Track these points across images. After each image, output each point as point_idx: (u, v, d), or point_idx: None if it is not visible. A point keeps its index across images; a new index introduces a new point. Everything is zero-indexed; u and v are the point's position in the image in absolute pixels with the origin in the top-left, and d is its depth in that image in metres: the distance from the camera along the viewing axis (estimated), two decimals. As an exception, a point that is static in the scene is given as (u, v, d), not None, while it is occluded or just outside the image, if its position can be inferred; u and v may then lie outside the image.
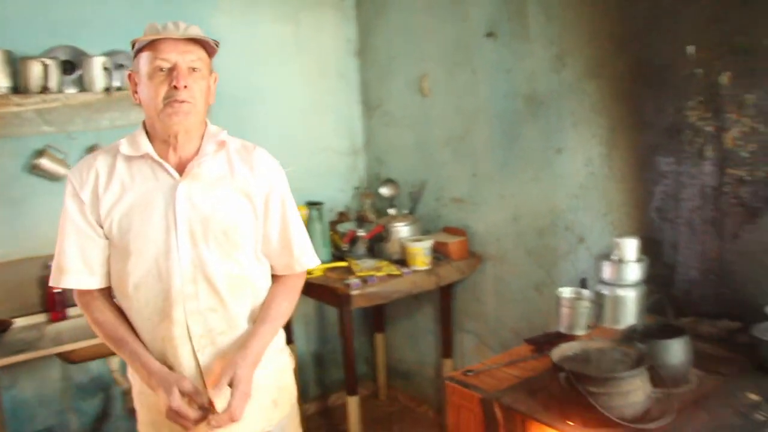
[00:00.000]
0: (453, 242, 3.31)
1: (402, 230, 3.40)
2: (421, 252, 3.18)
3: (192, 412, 1.52)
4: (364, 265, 3.21)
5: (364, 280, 3.02)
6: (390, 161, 3.92)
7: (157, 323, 1.63)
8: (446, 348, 3.53)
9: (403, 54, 3.68)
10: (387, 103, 3.86)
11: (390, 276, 3.10)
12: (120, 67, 3.00)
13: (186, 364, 1.64)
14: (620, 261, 2.45)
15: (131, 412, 3.05)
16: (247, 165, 1.70)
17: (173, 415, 1.52)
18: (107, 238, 1.65)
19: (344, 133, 4.00)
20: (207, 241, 1.61)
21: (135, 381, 1.74)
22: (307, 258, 1.81)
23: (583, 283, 2.60)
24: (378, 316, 3.99)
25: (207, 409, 1.54)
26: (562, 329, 2.45)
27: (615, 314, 2.45)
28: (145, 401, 1.72)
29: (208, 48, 1.63)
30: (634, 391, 1.73)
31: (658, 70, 2.44)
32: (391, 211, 3.57)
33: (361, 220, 3.75)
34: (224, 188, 1.66)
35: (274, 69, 3.70)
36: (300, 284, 1.84)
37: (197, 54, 1.59)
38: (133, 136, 1.66)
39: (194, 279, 1.61)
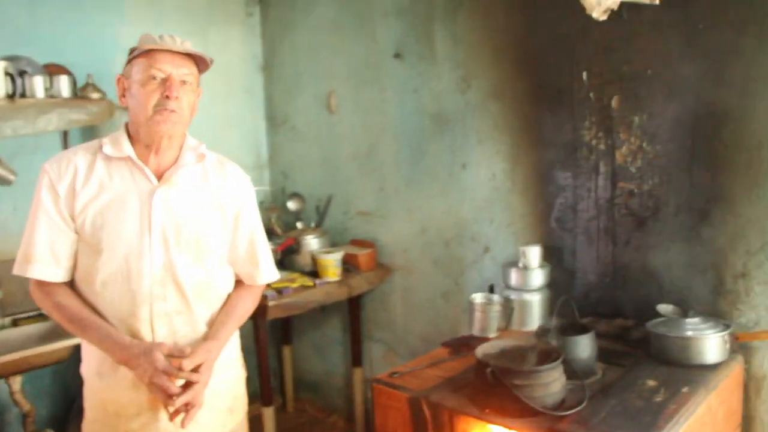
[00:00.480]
0: (362, 254, 3.42)
1: (312, 243, 3.47)
2: (332, 264, 3.27)
3: (173, 385, 1.55)
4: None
5: (279, 292, 3.06)
6: (296, 176, 3.99)
7: (123, 321, 1.64)
8: (356, 357, 3.62)
9: (309, 71, 3.77)
10: (293, 118, 3.93)
11: (303, 287, 3.17)
12: (23, 73, 2.88)
13: None
14: (525, 268, 2.66)
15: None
16: (221, 178, 1.78)
17: (158, 380, 1.53)
18: (78, 233, 1.65)
19: (249, 148, 4.02)
20: (179, 246, 1.66)
21: (88, 376, 1.73)
22: (270, 272, 1.90)
23: (491, 290, 2.78)
24: (285, 329, 4.02)
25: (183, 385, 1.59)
26: (475, 332, 2.62)
27: (522, 317, 2.66)
28: (94, 398, 1.71)
29: (200, 64, 1.69)
30: (553, 383, 1.91)
31: (556, 93, 2.69)
32: (299, 225, 3.64)
33: (269, 234, 3.77)
34: (198, 198, 1.72)
35: (180, 82, 3.67)
36: (260, 294, 1.92)
37: (190, 69, 1.66)
38: (114, 138, 1.69)
39: (163, 282, 1.64)
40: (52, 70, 3.10)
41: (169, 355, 1.58)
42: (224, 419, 1.82)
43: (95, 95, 3.14)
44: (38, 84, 2.94)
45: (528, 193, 2.86)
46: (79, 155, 1.67)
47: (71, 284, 1.71)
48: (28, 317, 2.99)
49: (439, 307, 3.30)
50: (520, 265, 2.67)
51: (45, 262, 1.63)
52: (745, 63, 2.19)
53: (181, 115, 1.65)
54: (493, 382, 1.89)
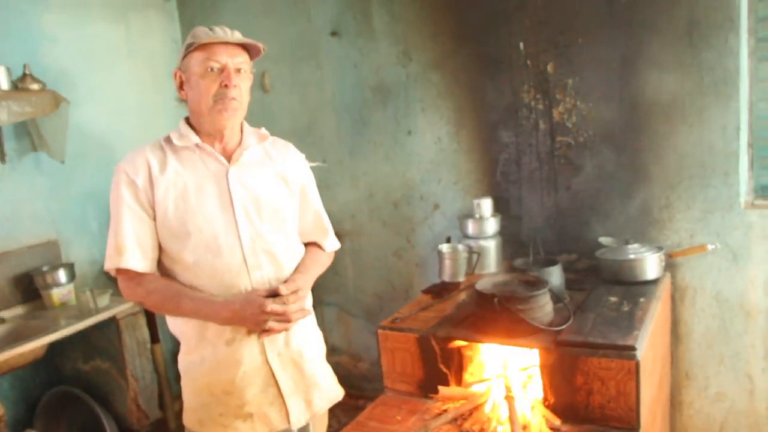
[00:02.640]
0: (312, 223, 3.61)
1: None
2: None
3: (290, 310, 1.71)
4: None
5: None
6: (229, 155, 4.06)
7: (223, 296, 1.72)
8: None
9: (238, 52, 3.85)
10: (222, 99, 3.99)
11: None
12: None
13: (244, 330, 1.76)
14: (481, 218, 3.02)
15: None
16: (282, 155, 1.90)
17: (274, 312, 1.68)
18: (160, 222, 1.72)
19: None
20: (261, 217, 1.77)
21: (188, 365, 1.81)
22: (335, 241, 2.07)
23: (449, 241, 3.12)
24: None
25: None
26: (446, 278, 2.94)
27: (482, 261, 3.01)
28: (194, 385, 1.80)
29: (252, 51, 1.78)
30: (545, 305, 2.29)
31: (495, 62, 3.05)
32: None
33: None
34: (266, 173, 1.84)
35: (107, 69, 3.63)
36: (329, 261, 2.05)
37: (243, 57, 1.75)
38: (178, 131, 1.77)
39: (255, 252, 1.75)
40: (-23, 62, 2.99)
41: (267, 296, 1.71)
42: (336, 383, 1.99)
43: (35, 86, 3.08)
44: (-25, 77, 2.86)
45: (473, 153, 3.21)
46: (148, 151, 1.75)
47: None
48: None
49: (391, 265, 3.59)
50: (476, 216, 3.02)
51: (134, 252, 1.70)
52: (660, 31, 2.65)
53: (240, 102, 1.75)
54: (499, 309, 2.22)
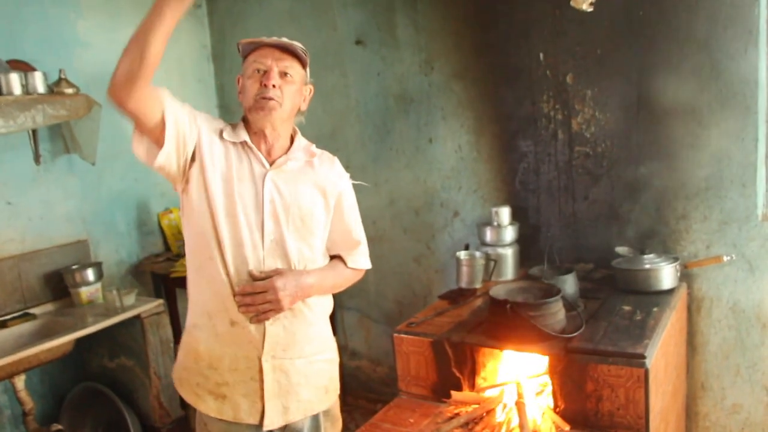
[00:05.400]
0: (334, 228, 3.68)
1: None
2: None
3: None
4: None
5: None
6: (254, 160, 4.16)
7: (236, 284, 1.78)
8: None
9: (264, 59, 3.95)
10: (249, 105, 4.09)
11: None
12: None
13: (252, 325, 1.81)
14: (499, 226, 3.05)
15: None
16: (327, 167, 1.95)
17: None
18: (197, 182, 1.78)
19: (205, 136, 4.15)
20: (288, 223, 1.83)
21: (187, 326, 1.90)
22: (364, 259, 2.06)
23: (467, 248, 3.16)
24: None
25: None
26: (463, 285, 2.98)
27: (499, 269, 3.05)
28: (187, 346, 1.89)
29: (301, 59, 1.85)
30: (558, 312, 2.31)
31: (515, 72, 3.09)
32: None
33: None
34: (305, 182, 1.88)
35: (138, 74, 3.75)
36: (354, 278, 2.06)
37: (290, 62, 1.81)
38: (233, 126, 1.85)
39: (273, 254, 1.81)
40: (16, 67, 3.12)
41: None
42: (321, 397, 1.99)
43: (69, 90, 3.19)
44: (15, 81, 2.98)
45: (493, 161, 3.25)
46: (222, 124, 1.85)
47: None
48: (14, 317, 3.04)
49: (411, 271, 3.64)
50: (494, 223, 3.06)
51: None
52: (678, 42, 2.67)
53: (279, 103, 1.79)
54: (512, 315, 2.26)
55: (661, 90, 2.73)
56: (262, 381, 1.84)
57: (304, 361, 1.91)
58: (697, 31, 2.62)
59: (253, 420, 1.84)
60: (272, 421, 1.85)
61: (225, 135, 1.83)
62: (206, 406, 1.87)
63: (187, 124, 1.74)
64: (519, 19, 3.01)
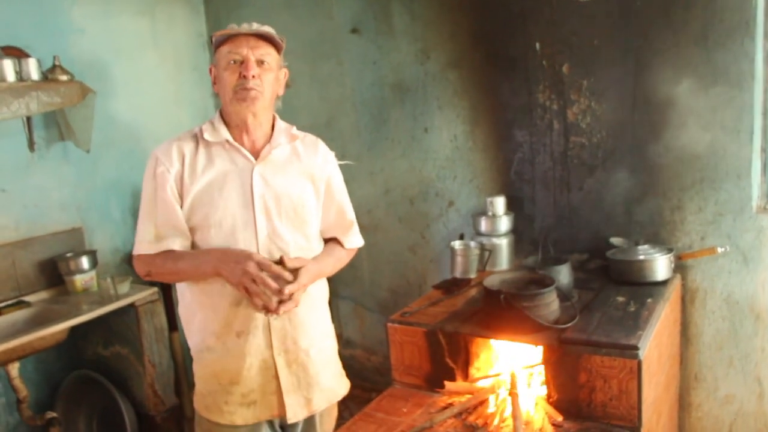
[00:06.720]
0: (329, 217, 3.68)
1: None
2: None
3: (271, 281, 1.68)
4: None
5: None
6: (249, 149, 4.14)
7: (233, 289, 1.76)
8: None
9: (260, 47, 3.92)
10: (244, 93, 4.07)
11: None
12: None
13: (256, 324, 1.81)
14: (493, 216, 3.05)
15: (29, 422, 2.98)
16: (311, 153, 1.93)
17: (254, 277, 1.66)
18: (187, 212, 1.78)
19: (200, 124, 4.12)
20: (280, 216, 1.81)
21: (197, 352, 1.87)
22: (357, 239, 2.07)
23: (462, 238, 3.16)
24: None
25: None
26: (458, 274, 2.98)
27: (494, 258, 3.05)
28: (203, 372, 1.87)
29: (277, 45, 1.82)
30: (552, 303, 2.32)
31: (511, 62, 3.07)
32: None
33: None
34: (292, 171, 1.87)
35: (133, 61, 3.73)
36: (349, 258, 2.07)
37: (266, 50, 1.78)
38: (211, 124, 1.83)
39: (269, 249, 1.80)
40: (9, 53, 3.09)
41: (262, 264, 1.70)
42: (338, 383, 2.02)
43: (64, 77, 3.17)
44: (8, 67, 2.96)
45: (488, 151, 3.24)
46: (184, 141, 1.81)
47: None
48: (8, 305, 3.03)
49: (406, 260, 3.64)
50: (489, 213, 3.06)
51: (174, 238, 1.77)
52: (674, 33, 2.66)
53: (260, 92, 1.78)
54: (505, 306, 2.26)
55: (657, 81, 2.72)
56: (278, 379, 1.85)
57: (316, 350, 1.91)
58: (694, 23, 2.60)
59: (279, 414, 1.87)
60: (295, 414, 1.87)
61: (206, 135, 1.81)
62: (241, 417, 1.84)
63: (180, 217, 1.78)
64: (516, 8, 2.99)
